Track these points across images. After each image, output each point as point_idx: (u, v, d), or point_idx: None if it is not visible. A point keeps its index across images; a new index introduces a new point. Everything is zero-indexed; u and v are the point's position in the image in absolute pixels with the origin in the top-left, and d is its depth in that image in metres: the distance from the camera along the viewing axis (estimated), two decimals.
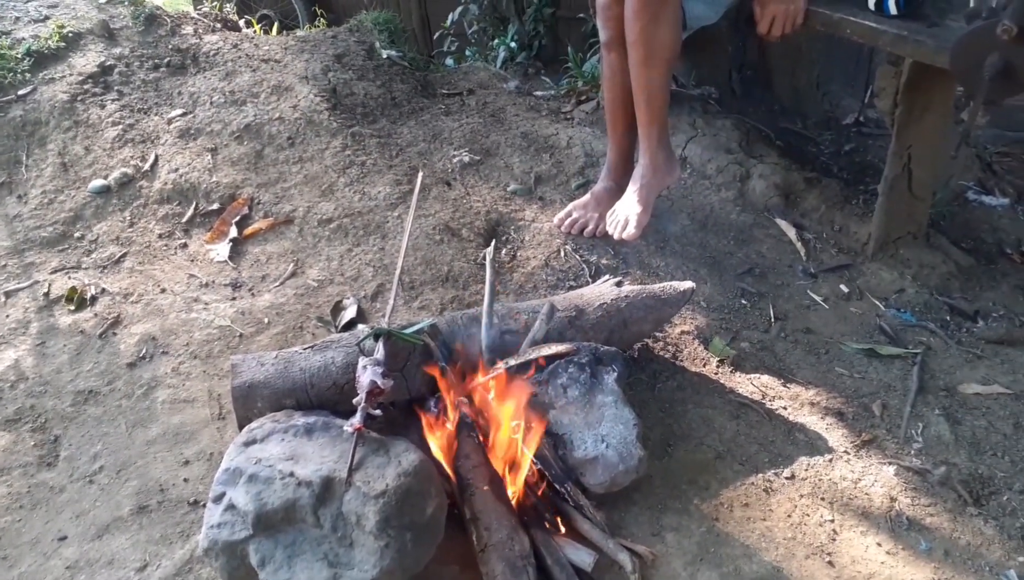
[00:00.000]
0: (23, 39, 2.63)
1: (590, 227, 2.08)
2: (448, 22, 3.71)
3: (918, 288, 1.92)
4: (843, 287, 1.95)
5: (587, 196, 2.16)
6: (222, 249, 2.08)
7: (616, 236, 1.94)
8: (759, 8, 1.91)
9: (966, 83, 1.68)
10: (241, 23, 3.46)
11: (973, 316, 1.85)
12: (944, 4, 1.82)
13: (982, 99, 1.66)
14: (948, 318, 1.85)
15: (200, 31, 2.87)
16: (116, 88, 2.53)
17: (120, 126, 2.41)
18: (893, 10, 1.80)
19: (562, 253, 2.02)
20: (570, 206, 2.14)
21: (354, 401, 1.29)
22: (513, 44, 3.49)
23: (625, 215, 1.96)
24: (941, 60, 1.69)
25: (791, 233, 2.11)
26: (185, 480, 1.44)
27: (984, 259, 2.08)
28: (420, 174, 1.69)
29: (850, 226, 2.11)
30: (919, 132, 1.90)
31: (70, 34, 2.68)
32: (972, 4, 1.66)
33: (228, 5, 4.48)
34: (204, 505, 1.26)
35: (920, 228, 2.02)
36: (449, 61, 3.79)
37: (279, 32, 3.94)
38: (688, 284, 1.69)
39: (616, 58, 1.99)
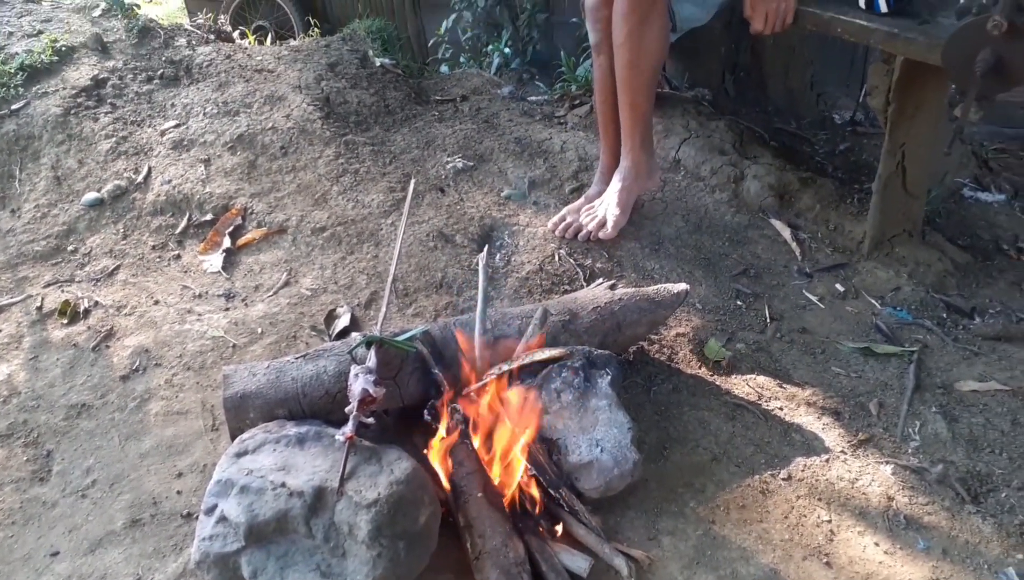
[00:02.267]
0: (16, 54, 2.63)
1: (584, 231, 2.08)
2: (443, 29, 3.72)
3: (914, 286, 1.91)
4: (839, 286, 1.94)
5: (581, 200, 2.16)
6: (215, 260, 2.08)
7: (591, 236, 1.97)
8: (749, 6, 1.91)
9: (958, 79, 1.67)
10: (235, 34, 3.46)
11: (970, 313, 1.84)
12: (935, 1, 1.82)
13: (975, 95, 1.66)
14: (944, 315, 1.84)
15: (194, 42, 2.87)
16: (109, 101, 2.53)
17: (113, 139, 2.41)
18: (884, 8, 1.80)
19: (556, 257, 2.01)
20: (564, 210, 2.14)
21: (346, 410, 1.29)
22: (507, 50, 3.50)
23: (603, 215, 2.00)
24: (933, 57, 1.69)
25: (786, 233, 2.11)
26: (178, 492, 1.44)
27: (980, 256, 2.07)
28: (413, 181, 1.70)
29: (845, 225, 2.10)
30: (912, 130, 1.89)
31: (63, 48, 2.68)
32: (962, 0, 1.66)
33: (223, 16, 4.50)
34: (197, 517, 1.25)
35: (915, 226, 2.01)
36: (444, 68, 3.80)
37: (274, 42, 3.95)
38: (682, 286, 1.68)
39: (606, 60, 1.99)
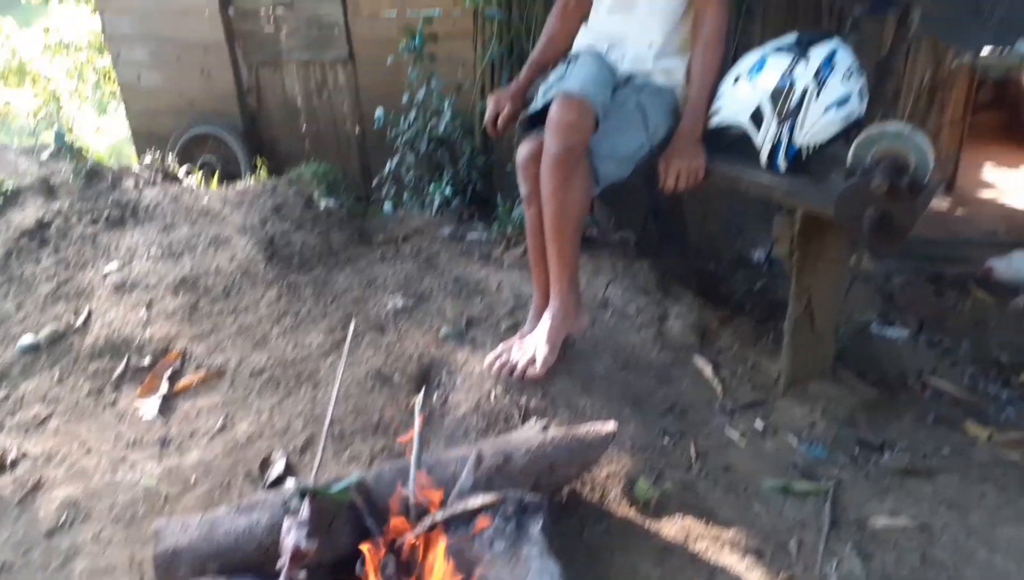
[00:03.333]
0: None
1: (518, 370, 2.15)
2: (387, 170, 3.89)
3: (827, 422, 2.03)
4: (758, 424, 2.05)
5: (515, 338, 2.25)
6: (152, 405, 2.08)
7: (517, 374, 2.05)
8: (663, 164, 2.09)
9: (850, 233, 1.85)
10: (182, 172, 3.57)
11: (880, 448, 1.96)
12: (828, 160, 2.02)
13: (865, 248, 1.83)
14: (857, 451, 1.95)
15: (141, 184, 2.97)
16: (53, 243, 2.58)
17: (54, 281, 2.44)
18: (782, 166, 1.99)
19: (492, 396, 2.08)
20: (500, 348, 2.22)
21: (278, 565, 1.30)
22: (448, 190, 3.67)
23: (532, 354, 2.09)
24: (828, 212, 1.87)
25: (708, 371, 2.22)
26: None
27: (888, 390, 2.21)
28: (352, 323, 1.76)
29: (762, 363, 2.23)
30: (816, 275, 2.06)
31: (9, 191, 2.74)
32: (849, 162, 1.86)
33: (170, 155, 4.64)
34: None
35: (826, 364, 2.15)
36: (387, 205, 3.95)
37: (220, 179, 4.07)
38: (610, 426, 1.75)
39: (535, 211, 2.14)
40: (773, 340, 2.33)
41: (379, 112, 3.74)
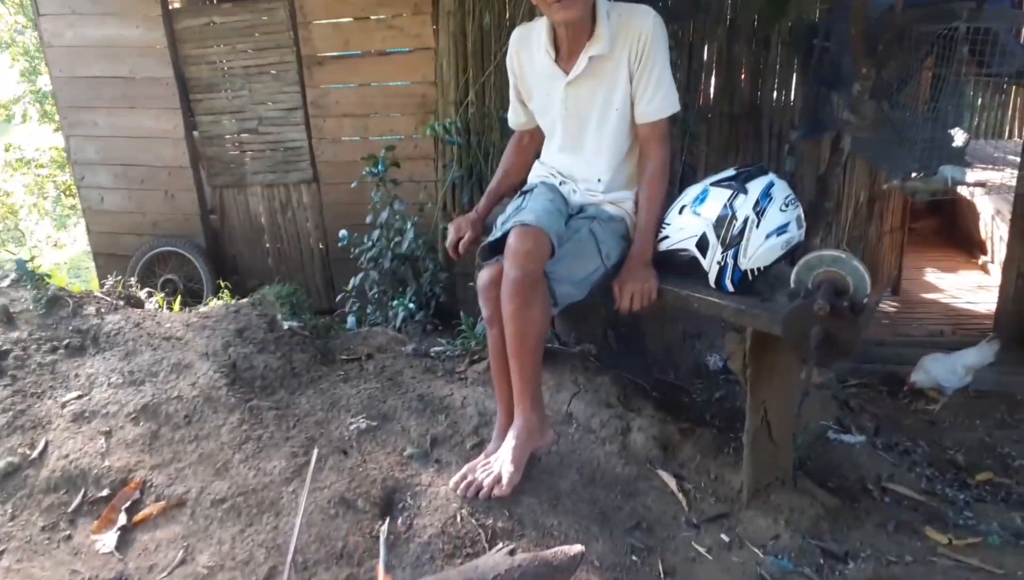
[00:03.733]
0: None
1: (484, 490, 2.16)
2: (350, 286, 3.96)
3: (791, 533, 2.05)
4: (724, 536, 2.06)
5: (481, 457, 2.26)
6: (109, 539, 2.03)
7: (483, 494, 2.06)
8: (617, 287, 2.18)
9: (797, 350, 1.94)
10: (143, 295, 3.58)
11: (844, 557, 1.98)
12: (773, 281, 2.13)
13: (813, 364, 1.92)
14: (822, 561, 1.97)
15: (103, 310, 2.97)
16: (10, 373, 2.55)
17: (10, 413, 2.39)
18: (730, 287, 2.09)
19: (458, 518, 2.07)
20: (464, 468, 2.22)
21: None
22: (411, 305, 3.73)
23: (498, 471, 2.10)
24: (775, 330, 1.96)
25: (672, 484, 2.25)
26: None
27: (849, 498, 2.25)
28: (315, 451, 1.76)
29: (725, 474, 2.26)
30: (770, 388, 2.13)
31: None
32: (792, 285, 1.97)
33: (133, 275, 4.66)
34: None
35: (786, 474, 2.20)
36: (351, 319, 4.00)
37: (183, 298, 4.09)
38: (577, 548, 1.76)
39: (497, 333, 2.20)
40: (734, 450, 2.38)
41: (343, 233, 3.84)
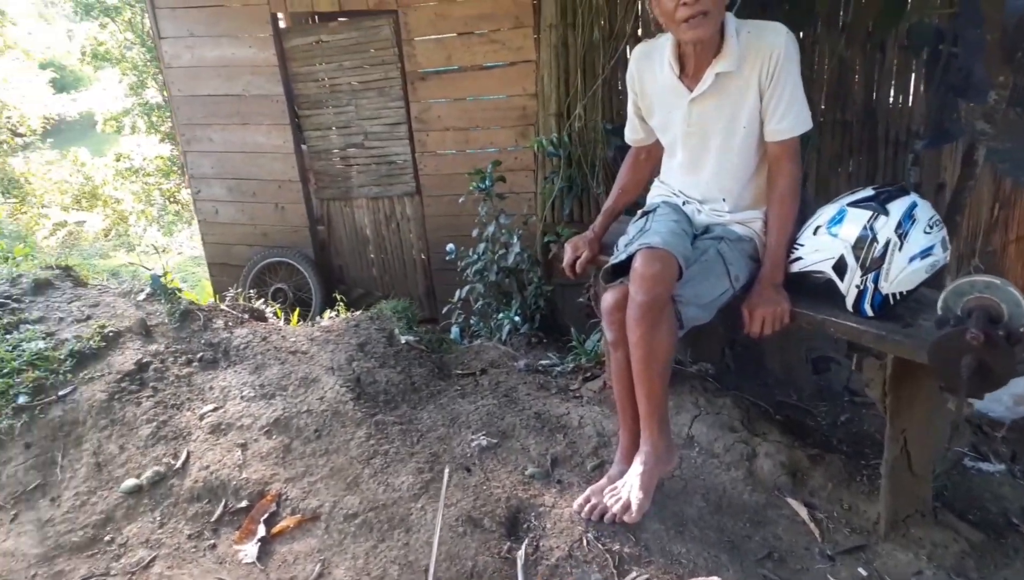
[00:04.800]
0: (67, 339, 2.83)
1: (609, 513, 2.15)
2: (456, 298, 4.02)
3: (935, 570, 1.97)
4: (862, 571, 2.00)
5: (604, 480, 2.25)
6: (251, 550, 2.12)
7: (617, 519, 2.06)
8: (747, 311, 2.14)
9: (945, 380, 1.85)
10: (261, 305, 3.72)
11: None
12: (915, 305, 2.05)
13: (964, 395, 1.84)
14: None
15: (231, 324, 3.10)
16: (151, 384, 2.69)
17: (154, 423, 2.53)
18: (869, 312, 2.02)
19: (584, 541, 2.07)
20: (588, 491, 2.22)
21: None
22: (516, 317, 3.76)
23: (627, 497, 2.09)
24: (920, 357, 1.88)
25: (803, 513, 2.19)
26: None
27: (993, 532, 2.14)
28: (446, 470, 1.80)
29: (859, 505, 2.19)
30: (911, 417, 2.04)
31: (110, 333, 2.88)
32: (940, 311, 1.88)
33: (246, 283, 4.86)
34: None
35: (926, 506, 2.11)
36: (454, 330, 4.06)
37: (292, 306, 4.24)
38: None
39: (622, 356, 2.19)
40: (867, 478, 2.29)
41: (450, 247, 3.91)
